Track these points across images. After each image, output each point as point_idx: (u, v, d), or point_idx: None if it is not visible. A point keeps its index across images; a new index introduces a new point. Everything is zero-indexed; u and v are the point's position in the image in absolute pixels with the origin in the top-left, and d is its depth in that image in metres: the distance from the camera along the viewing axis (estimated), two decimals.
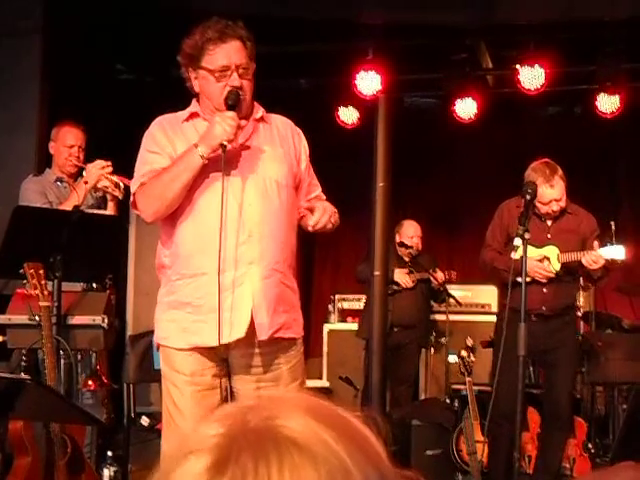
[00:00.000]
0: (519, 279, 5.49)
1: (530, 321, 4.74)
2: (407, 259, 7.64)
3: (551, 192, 5.31)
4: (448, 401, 7.02)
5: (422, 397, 8.03)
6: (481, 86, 8.36)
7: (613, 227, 6.97)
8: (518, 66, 7.84)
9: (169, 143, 3.33)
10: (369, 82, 8.09)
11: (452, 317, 7.92)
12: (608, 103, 8.05)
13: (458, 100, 8.26)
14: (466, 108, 8.30)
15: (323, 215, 3.35)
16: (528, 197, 4.66)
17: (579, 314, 7.81)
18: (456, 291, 7.98)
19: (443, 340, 7.91)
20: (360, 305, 8.32)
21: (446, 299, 7.79)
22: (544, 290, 5.40)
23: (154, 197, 3.27)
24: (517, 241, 4.48)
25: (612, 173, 9.49)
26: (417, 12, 7.67)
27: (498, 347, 5.80)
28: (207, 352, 3.29)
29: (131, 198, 3.38)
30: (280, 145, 3.43)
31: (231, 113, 3.23)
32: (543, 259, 5.39)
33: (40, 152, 6.50)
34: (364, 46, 8.08)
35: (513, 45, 8.20)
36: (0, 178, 6.63)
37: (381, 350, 6.25)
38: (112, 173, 5.35)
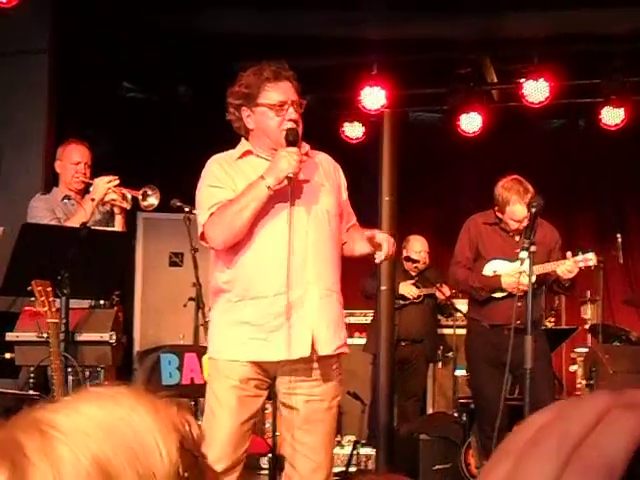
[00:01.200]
0: (495, 295, 5.54)
1: (503, 335, 4.75)
2: (414, 274, 7.65)
3: (524, 211, 5.35)
4: (456, 415, 7.02)
5: (430, 411, 8.02)
6: (486, 100, 8.37)
7: (619, 239, 7.00)
8: (523, 80, 7.86)
9: (229, 178, 3.62)
10: (374, 97, 8.11)
11: (459, 331, 7.91)
12: (613, 116, 8.06)
13: (463, 114, 8.28)
14: (471, 122, 8.31)
15: (389, 249, 3.64)
16: (534, 210, 4.68)
17: (586, 327, 7.82)
18: (463, 305, 7.97)
19: (451, 354, 7.90)
20: (367, 320, 8.32)
21: (453, 313, 7.79)
22: (518, 304, 5.41)
23: (224, 226, 3.54)
24: (523, 254, 4.51)
25: (617, 185, 9.50)
26: (421, 27, 7.70)
27: (469, 361, 5.82)
28: (258, 368, 3.57)
29: (199, 229, 3.65)
30: (326, 178, 3.77)
31: (294, 149, 3.55)
32: (518, 273, 5.42)
33: (47, 171, 6.52)
34: (369, 61, 8.10)
35: (517, 59, 8.22)
36: (8, 197, 6.66)
37: (389, 364, 6.26)
38: (119, 186, 5.39)
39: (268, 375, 3.60)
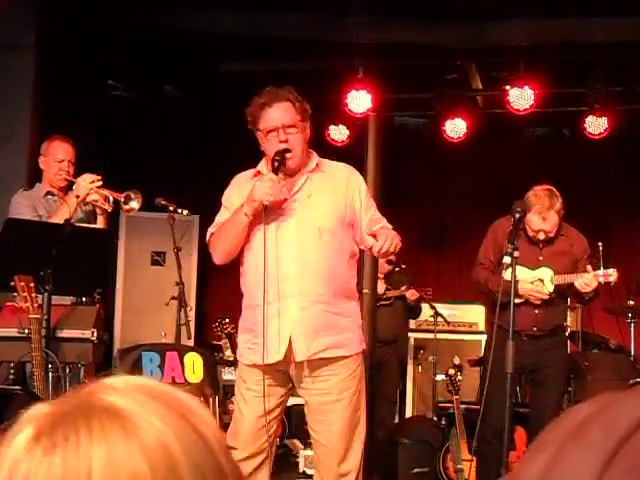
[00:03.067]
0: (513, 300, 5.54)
1: (521, 340, 4.76)
2: (381, 275, 7.60)
3: (541, 224, 5.38)
4: (435, 419, 7.04)
5: (409, 415, 8.03)
6: (471, 106, 8.40)
7: (601, 248, 7.04)
8: (508, 87, 7.89)
9: (238, 200, 3.98)
10: (360, 101, 8.12)
11: (440, 335, 7.94)
12: (596, 125, 8.10)
13: (448, 120, 8.31)
14: (456, 128, 8.34)
15: (385, 241, 3.83)
16: (517, 215, 4.70)
17: (566, 334, 7.85)
18: (444, 310, 8.00)
19: (431, 358, 7.93)
20: None
21: (434, 317, 7.82)
22: (536, 311, 5.44)
23: (218, 244, 4.02)
24: (506, 259, 4.52)
25: (600, 194, 9.55)
26: (408, 32, 7.73)
27: (487, 365, 5.84)
28: (266, 368, 3.92)
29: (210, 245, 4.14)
30: (330, 192, 3.99)
31: (270, 175, 3.85)
32: (536, 281, 5.43)
33: (31, 167, 6.49)
34: (355, 65, 8.12)
35: (503, 66, 8.26)
36: None
37: (368, 367, 6.25)
38: (102, 187, 5.37)
39: (279, 372, 3.96)
